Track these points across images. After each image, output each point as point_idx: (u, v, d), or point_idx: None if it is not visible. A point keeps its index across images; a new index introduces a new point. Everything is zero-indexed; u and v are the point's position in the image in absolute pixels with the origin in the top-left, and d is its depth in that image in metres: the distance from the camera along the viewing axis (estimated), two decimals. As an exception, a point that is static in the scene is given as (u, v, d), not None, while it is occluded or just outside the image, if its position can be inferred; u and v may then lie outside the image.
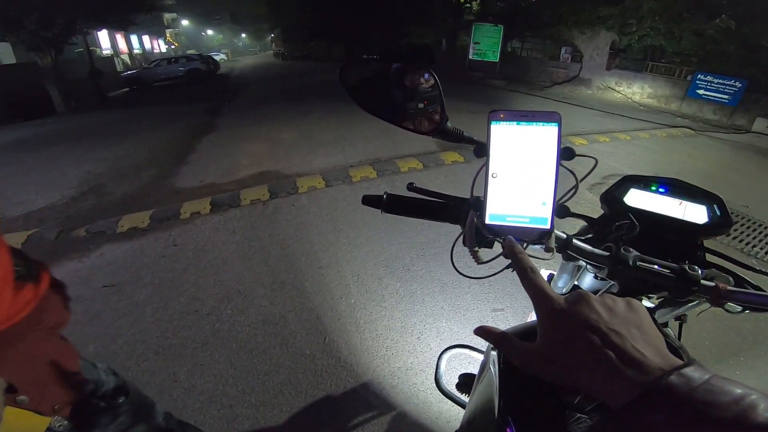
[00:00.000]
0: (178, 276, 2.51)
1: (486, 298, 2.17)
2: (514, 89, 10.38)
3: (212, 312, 2.17)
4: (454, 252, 0.67)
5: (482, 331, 0.33)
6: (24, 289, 0.55)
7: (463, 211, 0.61)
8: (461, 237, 0.61)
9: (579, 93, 10.13)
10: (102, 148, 5.65)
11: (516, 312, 2.07)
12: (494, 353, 0.62)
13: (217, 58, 21.40)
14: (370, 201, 0.67)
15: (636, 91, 9.41)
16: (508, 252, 0.38)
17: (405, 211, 0.65)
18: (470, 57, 12.12)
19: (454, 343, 1.29)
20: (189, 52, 25.43)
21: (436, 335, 1.94)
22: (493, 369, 0.60)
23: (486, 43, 11.82)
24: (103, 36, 19.15)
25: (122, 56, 20.79)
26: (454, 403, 1.12)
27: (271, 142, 5.35)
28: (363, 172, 3.92)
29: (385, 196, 0.65)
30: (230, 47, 42.60)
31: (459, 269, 0.69)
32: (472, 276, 0.66)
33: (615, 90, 9.81)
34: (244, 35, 49.88)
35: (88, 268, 2.63)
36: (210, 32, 48.63)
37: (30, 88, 9.63)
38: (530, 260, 0.35)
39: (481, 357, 1.16)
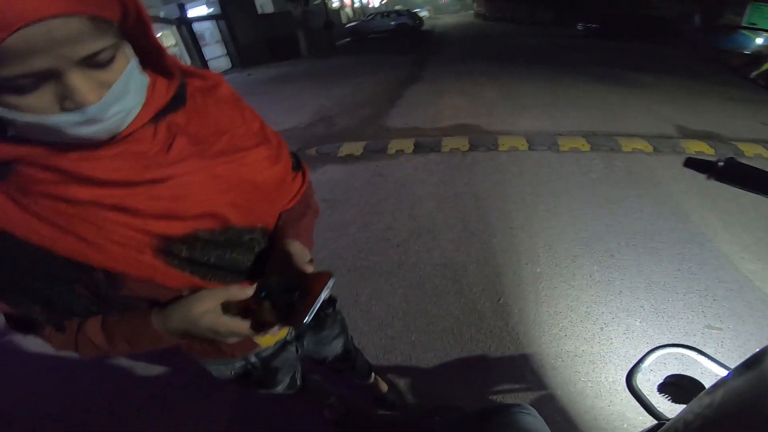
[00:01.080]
0: (378, 203, 2.83)
1: (704, 311, 1.76)
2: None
3: (402, 244, 2.36)
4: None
5: None
6: (297, 177, 0.68)
7: None
8: None
9: None
10: (331, 87, 6.78)
11: (737, 335, 1.64)
12: None
13: (421, 14, 22.14)
14: (696, 164, 0.61)
15: None
16: None
17: (746, 183, 0.55)
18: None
19: (681, 343, 1.08)
20: (397, 7, 27.05)
21: (623, 332, 1.70)
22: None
23: (768, 26, 8.40)
24: (333, -11, 21.91)
25: (346, 9, 23.71)
26: (640, 404, 0.96)
27: (472, 97, 5.34)
28: (573, 143, 3.53)
29: (721, 163, 0.57)
30: (432, 4, 43.18)
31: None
32: None
33: None
34: (447, -7, 49.59)
35: (314, 181, 3.28)
36: (417, -12, 50.16)
37: (284, 35, 12.01)
38: None
39: (713, 368, 0.94)
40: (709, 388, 0.61)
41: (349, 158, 3.67)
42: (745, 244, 2.18)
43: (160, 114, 0.46)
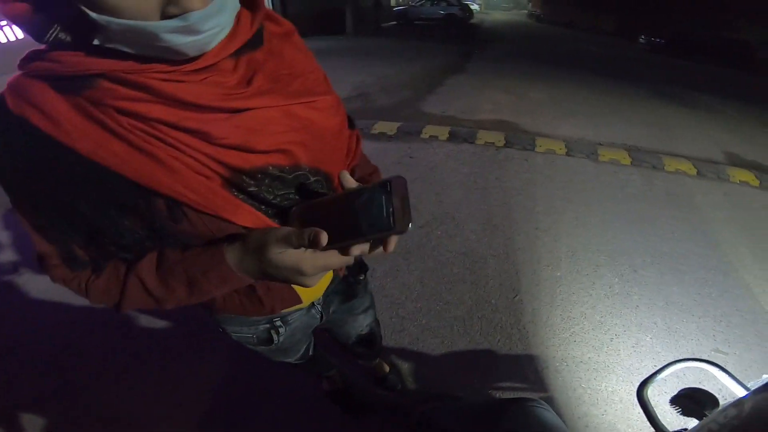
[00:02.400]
0: (409, 184, 2.85)
1: (714, 335, 1.76)
2: None
3: (425, 226, 2.36)
4: None
5: None
6: (353, 135, 0.67)
7: None
8: None
9: None
10: (373, 66, 6.74)
11: (740, 361, 1.64)
12: None
13: (472, 7, 21.55)
14: None
15: None
16: None
17: None
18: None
19: (706, 359, 1.04)
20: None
21: (632, 345, 1.69)
22: None
23: None
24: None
25: (398, -7, 23.29)
26: (645, 414, 0.92)
27: (515, 96, 5.21)
28: (614, 155, 3.40)
29: None
30: (485, -1, 41.95)
31: None
32: None
33: None
34: (502, -12, 47.99)
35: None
36: (471, -19, 48.69)
37: (333, 10, 11.91)
38: None
39: (731, 386, 0.91)
40: (734, 402, 0.62)
41: (382, 136, 3.66)
42: (770, 279, 2.11)
43: (242, 49, 0.45)
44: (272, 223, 0.50)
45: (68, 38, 0.37)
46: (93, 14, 0.34)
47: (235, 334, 0.74)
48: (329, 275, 0.73)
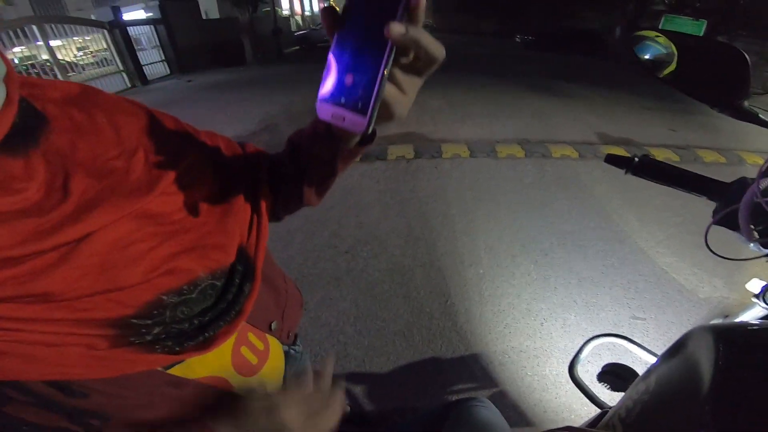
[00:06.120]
0: (325, 212, 2.78)
1: (628, 303, 1.93)
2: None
3: (349, 251, 2.36)
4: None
5: None
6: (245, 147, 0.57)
7: (735, 187, 0.56)
8: (719, 216, 0.56)
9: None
10: (278, 94, 6.63)
11: (659, 324, 1.80)
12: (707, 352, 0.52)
13: (371, 25, 22.44)
14: (615, 160, 0.67)
15: None
16: None
17: (657, 177, 0.64)
18: (653, 51, 10.22)
19: (614, 333, 1.15)
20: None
21: (561, 326, 1.81)
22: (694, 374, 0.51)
23: (677, 39, 9.78)
24: (285, -3, 21.64)
25: (296, 17, 23.44)
26: (583, 395, 0.99)
27: (418, 107, 5.40)
28: (510, 150, 3.74)
29: (637, 159, 0.64)
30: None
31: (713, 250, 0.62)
32: (728, 257, 0.60)
33: None
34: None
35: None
36: None
37: (229, 41, 11.57)
38: None
39: (642, 355, 1.02)
40: (642, 375, 0.64)
41: (296, 167, 3.58)
42: (659, 239, 2.42)
43: (17, 135, 0.29)
44: (193, 352, 0.38)
45: None
46: None
47: None
48: (280, 369, 0.61)
